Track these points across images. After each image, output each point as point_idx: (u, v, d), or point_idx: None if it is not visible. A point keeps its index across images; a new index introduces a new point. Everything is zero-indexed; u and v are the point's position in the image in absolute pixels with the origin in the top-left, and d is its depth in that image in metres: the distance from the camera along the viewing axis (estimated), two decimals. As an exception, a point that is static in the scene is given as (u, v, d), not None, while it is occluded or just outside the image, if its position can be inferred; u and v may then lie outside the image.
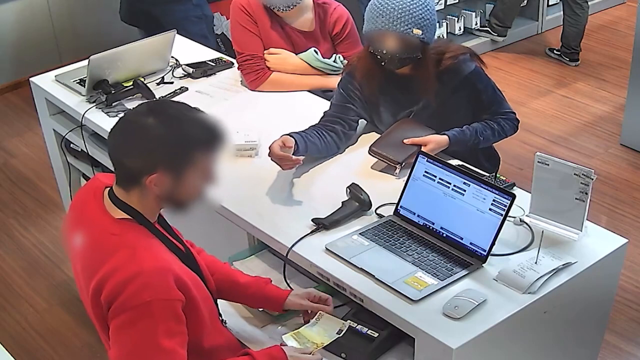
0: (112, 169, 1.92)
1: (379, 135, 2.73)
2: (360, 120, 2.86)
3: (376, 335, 2.13)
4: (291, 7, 3.12)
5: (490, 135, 2.70)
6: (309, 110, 3.06)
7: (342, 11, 3.22)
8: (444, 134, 2.63)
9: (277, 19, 3.19)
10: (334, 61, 3.19)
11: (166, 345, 1.77)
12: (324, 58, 3.18)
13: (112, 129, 1.87)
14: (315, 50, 3.17)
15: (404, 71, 2.67)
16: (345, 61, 3.13)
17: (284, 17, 3.19)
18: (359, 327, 2.15)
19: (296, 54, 3.19)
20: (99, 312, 1.82)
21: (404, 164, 2.58)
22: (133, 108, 1.90)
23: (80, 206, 1.98)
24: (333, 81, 3.12)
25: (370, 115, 2.85)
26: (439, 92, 2.67)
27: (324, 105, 3.08)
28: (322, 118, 2.79)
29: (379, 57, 2.63)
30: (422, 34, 2.56)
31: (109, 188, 1.93)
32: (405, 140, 2.62)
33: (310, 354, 1.99)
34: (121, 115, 1.92)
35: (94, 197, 1.93)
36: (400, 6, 2.54)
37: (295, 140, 2.56)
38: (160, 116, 1.82)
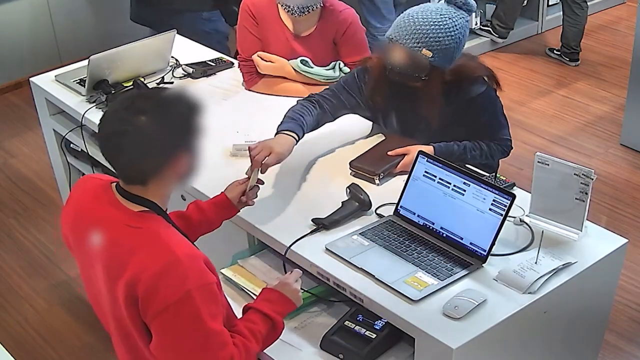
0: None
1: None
2: (362, 124, 2.86)
3: (374, 336, 2.14)
4: (305, 12, 3.06)
5: (477, 155, 2.66)
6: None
7: (348, 15, 3.11)
8: (430, 145, 2.59)
9: (280, 22, 3.15)
10: (332, 69, 3.11)
11: (215, 327, 1.80)
12: (319, 66, 3.10)
13: (105, 142, 1.84)
14: (302, 60, 3.09)
15: (413, 83, 2.63)
16: (347, 69, 3.09)
17: (292, 22, 3.13)
18: (356, 327, 2.16)
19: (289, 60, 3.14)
20: (133, 309, 1.81)
21: (382, 175, 2.56)
22: (105, 117, 1.85)
23: (84, 208, 1.96)
24: None
25: (377, 118, 2.84)
26: (443, 110, 2.62)
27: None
28: (323, 91, 2.77)
29: (385, 65, 2.61)
30: (432, 56, 2.51)
31: (113, 184, 1.93)
32: (389, 152, 2.62)
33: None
34: (101, 126, 1.85)
35: (96, 197, 1.93)
36: (419, 22, 2.49)
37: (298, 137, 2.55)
38: (147, 111, 1.81)
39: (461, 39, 2.55)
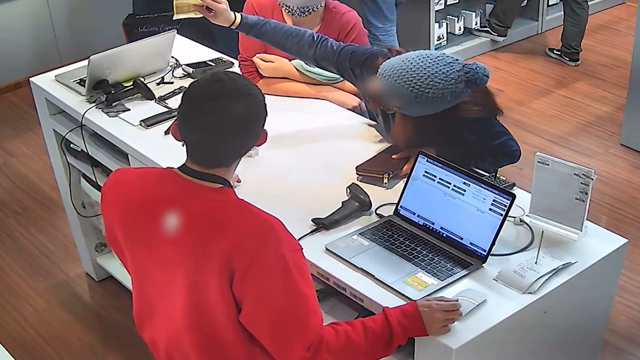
0: (194, 158, 1.92)
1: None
2: (360, 123, 2.85)
3: None
4: (306, 12, 3.04)
5: (480, 163, 2.60)
6: (311, 109, 3.06)
7: (351, 17, 3.10)
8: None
9: (284, 23, 3.13)
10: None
11: (307, 292, 1.84)
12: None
13: (197, 132, 1.87)
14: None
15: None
16: None
17: (295, 24, 3.12)
18: None
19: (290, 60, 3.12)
20: (225, 281, 1.82)
21: (390, 174, 2.55)
22: (193, 108, 1.88)
23: (148, 195, 1.94)
24: (328, 93, 3.10)
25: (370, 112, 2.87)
26: (430, 128, 2.52)
27: (326, 105, 3.09)
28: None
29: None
30: (398, 106, 2.44)
31: (174, 168, 1.95)
32: (393, 156, 2.61)
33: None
34: (195, 118, 1.88)
35: (162, 182, 1.94)
36: (401, 73, 2.36)
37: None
38: (241, 103, 1.88)
39: (440, 100, 2.36)
